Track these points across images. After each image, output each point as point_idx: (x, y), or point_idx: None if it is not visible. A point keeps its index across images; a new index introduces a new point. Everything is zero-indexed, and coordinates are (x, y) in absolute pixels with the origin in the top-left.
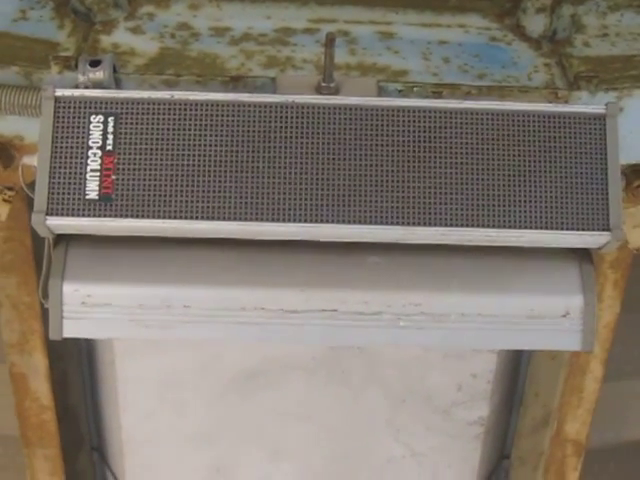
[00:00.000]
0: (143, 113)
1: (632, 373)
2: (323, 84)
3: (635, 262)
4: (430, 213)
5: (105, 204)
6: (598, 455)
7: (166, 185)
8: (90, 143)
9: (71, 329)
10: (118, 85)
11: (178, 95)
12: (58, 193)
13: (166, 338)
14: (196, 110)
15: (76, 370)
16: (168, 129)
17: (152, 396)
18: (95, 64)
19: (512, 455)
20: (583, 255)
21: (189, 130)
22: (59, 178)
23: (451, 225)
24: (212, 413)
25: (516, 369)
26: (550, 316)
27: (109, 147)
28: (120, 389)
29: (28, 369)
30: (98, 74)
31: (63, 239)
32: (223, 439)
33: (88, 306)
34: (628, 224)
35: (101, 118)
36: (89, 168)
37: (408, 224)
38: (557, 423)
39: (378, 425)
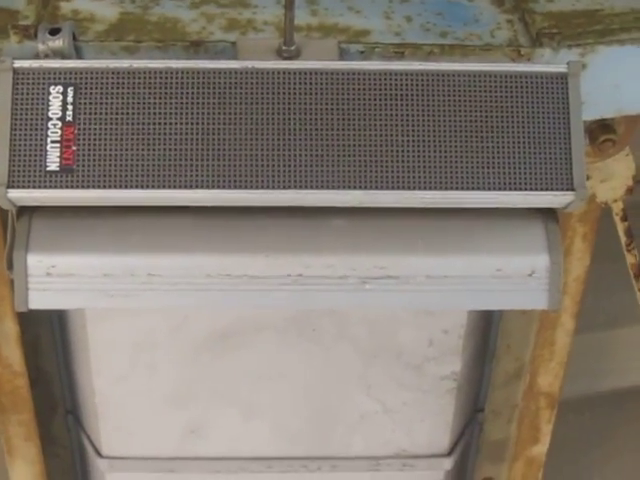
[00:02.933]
0: (102, 83)
1: (604, 324)
2: (284, 47)
3: (604, 214)
4: (391, 177)
5: (66, 175)
6: (573, 405)
7: (127, 155)
8: (50, 114)
9: (36, 300)
10: (78, 53)
11: (137, 64)
12: (18, 166)
13: (131, 307)
14: (156, 78)
15: (48, 335)
16: (128, 98)
17: (124, 359)
18: (55, 32)
19: (486, 408)
20: (548, 214)
21: (149, 99)
22: (19, 150)
23: (413, 188)
24: (185, 374)
25: (487, 323)
26: (516, 276)
27: (69, 118)
28: (92, 352)
29: None
30: (58, 42)
31: (26, 210)
32: (196, 400)
33: (53, 277)
34: (595, 178)
35: (60, 89)
36: (49, 139)
37: (369, 188)
38: (530, 376)
39: (350, 382)
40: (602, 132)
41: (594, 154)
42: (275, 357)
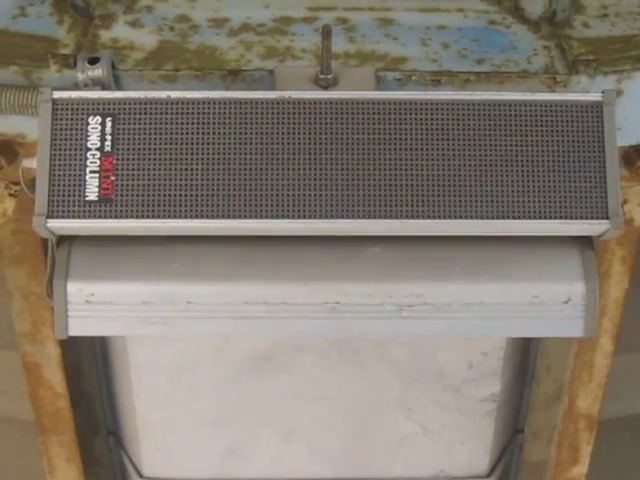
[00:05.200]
0: (140, 113)
1: None
2: (321, 76)
3: None
4: (429, 205)
5: (105, 205)
6: (612, 426)
7: (165, 185)
8: (89, 145)
9: (76, 328)
10: (117, 82)
11: (175, 94)
12: (58, 195)
13: (170, 334)
14: (193, 109)
15: (89, 357)
16: (166, 128)
17: (165, 381)
18: (94, 62)
19: (525, 429)
20: (584, 241)
21: (187, 129)
22: (59, 180)
23: (450, 217)
24: (225, 396)
25: (527, 345)
26: (552, 303)
27: (107, 148)
28: (133, 374)
29: (41, 358)
30: (97, 72)
31: (66, 239)
32: (237, 422)
33: (92, 304)
34: (633, 202)
35: (99, 119)
36: (88, 170)
37: (407, 217)
38: (569, 398)
39: (390, 404)
40: (639, 157)
41: (632, 178)
42: (315, 379)
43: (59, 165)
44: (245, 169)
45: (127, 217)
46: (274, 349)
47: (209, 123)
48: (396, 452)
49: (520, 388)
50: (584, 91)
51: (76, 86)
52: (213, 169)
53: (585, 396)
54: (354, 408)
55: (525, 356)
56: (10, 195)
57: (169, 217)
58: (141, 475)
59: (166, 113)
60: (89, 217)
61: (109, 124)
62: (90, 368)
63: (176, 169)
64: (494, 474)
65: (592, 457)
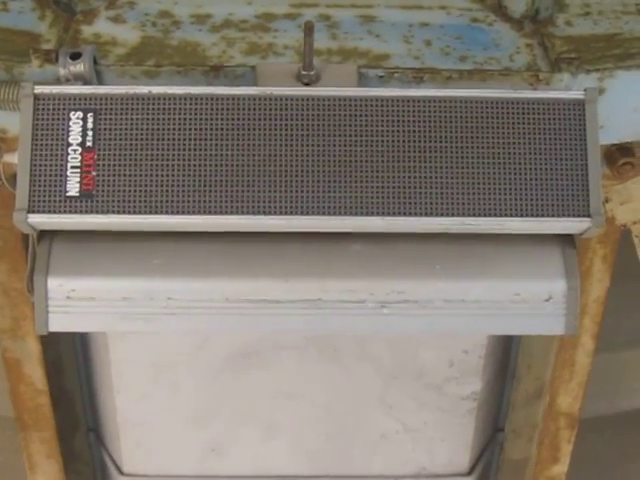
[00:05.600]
0: (122, 108)
1: (624, 344)
2: (303, 72)
3: (625, 236)
4: (411, 203)
5: (86, 201)
6: (593, 425)
7: (147, 180)
8: (70, 140)
9: (57, 324)
10: (99, 77)
11: (157, 90)
12: (39, 191)
13: (151, 330)
14: (174, 104)
15: (70, 353)
16: (147, 124)
17: (146, 377)
18: (75, 57)
19: (506, 428)
20: (566, 239)
21: (168, 124)
22: (40, 176)
23: (432, 215)
24: (206, 393)
25: (508, 343)
26: (533, 301)
27: (89, 143)
28: (114, 371)
29: (21, 354)
30: (79, 67)
31: (47, 234)
32: (217, 419)
33: (73, 300)
34: (615, 201)
35: (80, 114)
36: (69, 165)
37: (389, 214)
38: (549, 397)
39: (371, 402)
40: (621, 155)
41: (613, 177)
42: (296, 376)
43: (40, 160)
44: (226, 165)
45: (108, 213)
46: (255, 346)
47: (191, 119)
48: (377, 450)
49: (501, 386)
50: (566, 89)
51: (58, 81)
52: (194, 165)
53: (566, 394)
54: (335, 405)
55: (506, 354)
56: None
57: (150, 213)
58: (121, 472)
59: (148, 109)
60: (70, 212)
61: (90, 119)
62: (71, 364)
63: (157, 165)
64: (474, 472)
65: (573, 456)
